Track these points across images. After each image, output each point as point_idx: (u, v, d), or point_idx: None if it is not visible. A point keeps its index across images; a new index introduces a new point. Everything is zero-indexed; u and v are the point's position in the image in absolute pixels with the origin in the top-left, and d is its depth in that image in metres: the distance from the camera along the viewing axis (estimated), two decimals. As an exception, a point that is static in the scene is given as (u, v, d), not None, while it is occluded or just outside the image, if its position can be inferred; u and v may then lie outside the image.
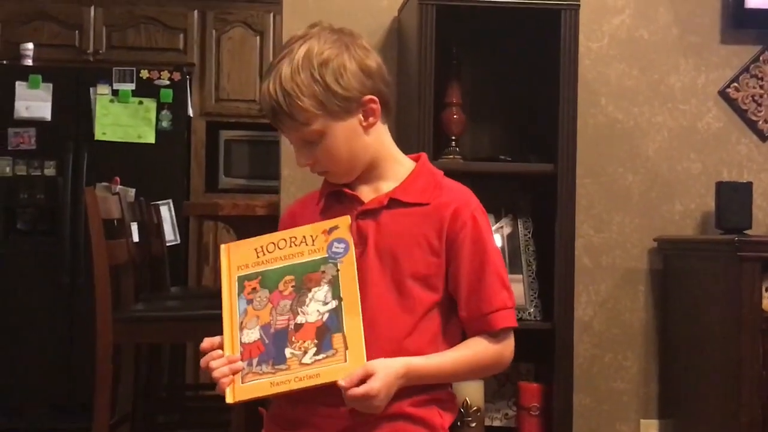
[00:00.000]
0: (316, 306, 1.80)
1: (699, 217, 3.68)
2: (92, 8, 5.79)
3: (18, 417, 5.38)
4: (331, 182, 1.90)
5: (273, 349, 1.78)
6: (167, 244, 5.02)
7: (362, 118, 1.82)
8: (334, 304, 1.79)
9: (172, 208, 5.40)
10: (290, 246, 1.85)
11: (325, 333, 1.77)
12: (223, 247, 1.90)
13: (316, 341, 1.77)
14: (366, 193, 1.87)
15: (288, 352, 1.77)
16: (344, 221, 1.84)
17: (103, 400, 3.40)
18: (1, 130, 5.43)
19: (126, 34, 5.84)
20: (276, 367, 1.76)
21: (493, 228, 3.26)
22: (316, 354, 1.75)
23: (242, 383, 1.76)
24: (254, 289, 1.83)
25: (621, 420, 3.65)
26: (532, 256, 3.28)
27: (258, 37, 5.97)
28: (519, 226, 3.31)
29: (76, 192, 5.34)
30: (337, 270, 1.82)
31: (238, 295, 1.84)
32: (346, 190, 1.88)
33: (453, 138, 3.27)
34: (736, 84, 3.71)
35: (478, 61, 3.48)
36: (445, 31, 3.10)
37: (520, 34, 3.38)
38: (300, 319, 1.79)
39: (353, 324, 1.77)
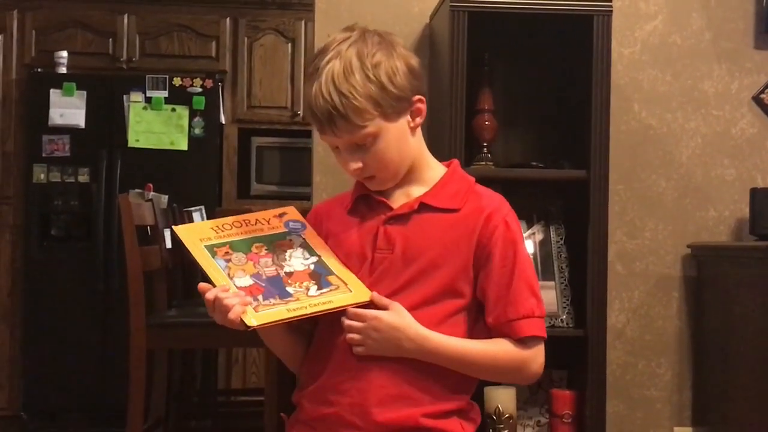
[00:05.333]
0: (298, 260, 1.79)
1: (733, 224, 3.65)
2: (125, 16, 5.82)
3: (52, 422, 5.42)
4: (362, 186, 1.88)
5: (273, 289, 1.73)
6: (200, 251, 5.02)
7: (410, 118, 1.82)
8: (314, 258, 1.80)
9: (205, 215, 5.41)
10: (246, 225, 1.85)
11: (319, 277, 1.76)
12: (175, 228, 1.85)
13: (313, 282, 1.75)
14: (397, 197, 1.86)
15: (291, 289, 1.74)
16: (291, 210, 1.88)
17: (137, 406, 3.42)
18: (35, 137, 5.49)
19: (159, 42, 5.87)
20: (284, 299, 1.72)
21: (525, 234, 3.25)
22: (318, 290, 1.74)
23: (256, 312, 1.69)
24: (227, 252, 1.79)
25: (654, 428, 3.62)
26: (564, 263, 3.26)
27: (290, 44, 5.98)
28: (551, 232, 3.29)
29: (110, 199, 5.38)
30: (303, 238, 1.83)
31: (213, 257, 1.77)
32: (375, 196, 1.86)
33: (485, 144, 3.27)
34: (770, 89, 3.69)
35: (510, 67, 3.47)
36: (476, 38, 3.10)
37: (552, 40, 3.37)
38: (288, 269, 1.77)
39: (342, 270, 1.78)
